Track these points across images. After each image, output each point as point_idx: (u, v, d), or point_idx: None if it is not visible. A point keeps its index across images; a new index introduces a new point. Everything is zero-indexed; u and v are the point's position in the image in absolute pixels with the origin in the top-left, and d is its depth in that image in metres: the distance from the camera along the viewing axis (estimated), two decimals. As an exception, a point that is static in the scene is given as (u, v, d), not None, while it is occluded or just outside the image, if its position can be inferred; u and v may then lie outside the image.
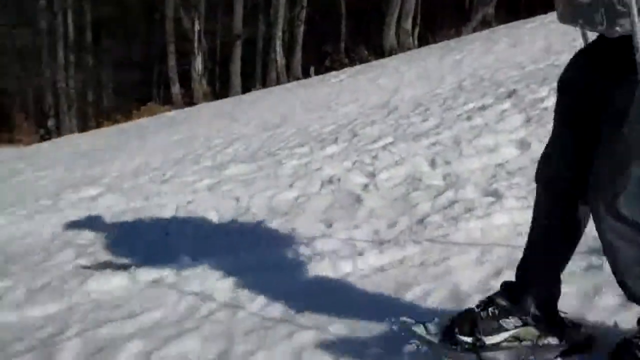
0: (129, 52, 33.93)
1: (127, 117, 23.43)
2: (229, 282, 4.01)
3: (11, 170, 11.94)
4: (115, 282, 4.39)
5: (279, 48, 25.69)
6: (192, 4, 25.67)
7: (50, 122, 27.73)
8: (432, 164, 5.90)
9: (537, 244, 2.53)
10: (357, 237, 4.44)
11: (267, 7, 28.08)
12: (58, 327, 3.84)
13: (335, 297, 3.51)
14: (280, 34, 25.85)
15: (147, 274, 4.37)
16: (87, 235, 5.93)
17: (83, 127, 26.90)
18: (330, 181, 6.01)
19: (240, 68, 27.21)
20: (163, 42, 28.96)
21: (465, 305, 2.79)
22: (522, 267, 2.58)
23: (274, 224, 5.09)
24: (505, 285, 2.60)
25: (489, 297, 2.57)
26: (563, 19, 2.31)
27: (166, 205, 6.40)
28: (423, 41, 22.42)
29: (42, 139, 24.62)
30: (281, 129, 9.69)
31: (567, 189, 2.37)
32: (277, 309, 3.49)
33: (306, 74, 23.48)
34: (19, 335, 3.86)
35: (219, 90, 28.38)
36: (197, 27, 25.41)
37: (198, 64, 25.42)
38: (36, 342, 3.69)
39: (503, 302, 2.50)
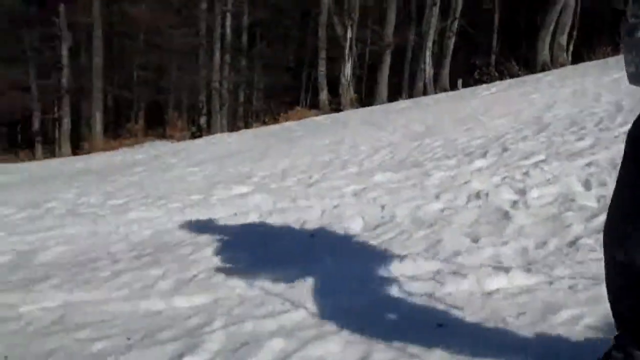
0: (281, 56, 34.72)
1: (275, 119, 23.97)
2: (371, 289, 4.03)
3: (165, 164, 12.51)
4: (257, 280, 4.50)
5: (428, 59, 25.51)
6: (347, 11, 25.93)
7: (202, 120, 28.76)
8: (586, 184, 5.69)
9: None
10: (504, 255, 4.34)
11: (420, 17, 27.99)
12: (204, 319, 3.99)
13: (479, 314, 3.45)
14: (430, 44, 25.67)
15: (292, 274, 4.45)
16: (235, 231, 6.13)
17: (232, 126, 27.81)
18: (477, 195, 5.92)
19: (387, 77, 27.25)
20: (314, 47, 29.44)
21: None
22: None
23: (419, 234, 5.06)
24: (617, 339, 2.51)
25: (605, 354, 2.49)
26: (635, 80, 2.23)
27: (312, 208, 6.51)
28: (576, 57, 21.62)
29: (193, 135, 25.57)
30: (428, 139, 9.63)
31: None
32: (418, 320, 3.48)
33: (454, 86, 23.21)
34: (167, 323, 4.04)
35: (365, 97, 28.55)
36: (349, 35, 25.63)
37: (347, 70, 25.63)
38: (183, 332, 3.85)
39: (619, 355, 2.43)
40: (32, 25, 31.41)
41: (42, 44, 31.91)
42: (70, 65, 29.77)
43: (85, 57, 31.46)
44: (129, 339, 3.87)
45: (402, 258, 4.48)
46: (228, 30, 29.08)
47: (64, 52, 29.01)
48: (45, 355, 3.78)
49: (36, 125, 32.05)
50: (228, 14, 28.88)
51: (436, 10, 25.49)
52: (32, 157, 27.22)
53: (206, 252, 5.51)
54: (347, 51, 25.78)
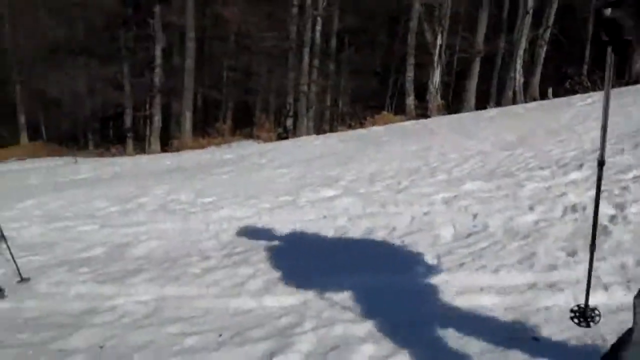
0: (369, 61, 34.71)
1: (361, 123, 23.97)
2: (464, 299, 4.00)
3: (254, 164, 12.67)
4: (346, 284, 4.52)
5: (519, 67, 25.07)
6: (437, 18, 25.75)
7: (289, 122, 29.01)
8: (690, 202, 5.49)
9: None
10: (602, 270, 4.22)
11: (511, 25, 27.53)
12: (294, 320, 4.03)
13: (576, 330, 3.36)
14: (521, 52, 25.22)
15: (382, 280, 4.46)
16: (325, 234, 6.17)
17: (318, 129, 27.94)
18: (574, 208, 5.77)
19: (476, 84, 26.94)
20: (402, 53, 29.34)
21: None
22: None
23: (513, 246, 4.98)
24: None
25: None
26: None
27: (402, 214, 6.49)
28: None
29: (279, 137, 25.83)
30: (519, 149, 9.45)
31: None
32: (512, 332, 3.44)
33: (543, 95, 22.71)
34: (257, 322, 4.11)
35: (452, 104, 28.26)
36: (439, 42, 25.44)
37: (436, 77, 25.43)
38: (274, 331, 3.90)
39: None
40: (127, 26, 32.40)
41: (137, 44, 32.88)
42: (163, 65, 30.50)
43: (178, 58, 32.16)
44: (220, 335, 3.96)
45: (496, 269, 4.42)
46: (318, 34, 29.25)
47: (157, 53, 29.75)
48: (139, 348, 3.91)
49: (128, 122, 33.02)
50: (318, 19, 29.05)
51: (529, 18, 25.04)
52: (123, 153, 28.03)
53: (296, 254, 5.56)
54: (436, 58, 25.59)
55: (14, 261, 5.92)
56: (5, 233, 8.28)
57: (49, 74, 32.12)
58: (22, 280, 5.71)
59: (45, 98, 32.96)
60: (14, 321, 4.71)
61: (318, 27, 29.35)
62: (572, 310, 2.95)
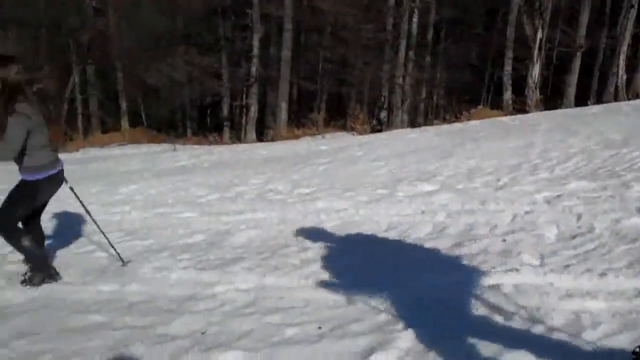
0: (465, 54, 34.22)
1: (456, 117, 23.70)
2: (569, 302, 3.93)
3: (350, 156, 12.70)
4: (448, 281, 4.50)
5: (622, 62, 24.22)
6: (538, 11, 25.11)
7: (382, 114, 28.91)
8: None
9: None
10: None
11: (614, 19, 26.62)
12: (391, 317, 4.04)
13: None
14: (625, 48, 24.34)
15: (486, 278, 4.42)
16: (425, 229, 6.14)
17: (412, 122, 27.76)
18: (685, 213, 5.58)
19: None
20: (500, 46, 28.80)
21: None
22: None
23: (620, 249, 4.85)
24: None
25: None
26: None
27: (503, 212, 6.40)
28: None
29: (373, 129, 25.75)
30: (626, 149, 9.16)
31: None
32: (617, 342, 3.36)
33: (646, 92, 21.93)
34: (357, 316, 4.14)
35: (550, 99, 27.56)
36: (539, 35, 24.79)
37: (535, 71, 24.81)
38: (374, 327, 3.93)
39: None
40: (226, 16, 32.96)
41: (235, 34, 33.41)
42: (260, 55, 30.86)
43: (274, 48, 32.46)
44: (320, 327, 4.01)
45: (602, 273, 4.32)
46: (415, 26, 29.05)
47: (255, 43, 30.08)
48: (239, 336, 4.01)
49: (225, 110, 33.62)
50: (415, 10, 28.84)
51: (633, 12, 24.13)
52: (220, 141, 28.52)
53: (396, 248, 5.57)
54: (535, 52, 24.94)
55: (112, 246, 6.16)
56: (109, 217, 8.65)
57: (149, 63, 33.03)
58: (124, 263, 5.94)
59: (146, 86, 33.90)
60: (119, 303, 4.90)
61: (415, 19, 29.13)
62: (634, 352, 2.87)
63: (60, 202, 7.45)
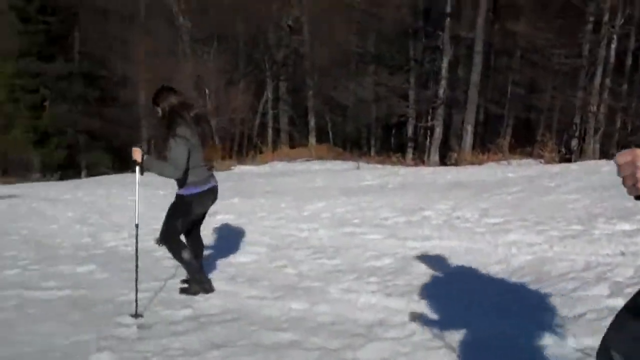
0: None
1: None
2: None
3: (540, 187, 12.26)
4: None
5: None
6: None
7: (573, 143, 27.88)
8: None
9: None
10: None
11: None
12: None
13: None
14: None
15: None
16: (627, 273, 5.80)
17: (604, 153, 26.48)
18: None
19: None
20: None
21: None
22: None
23: None
24: None
25: None
26: None
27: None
28: None
29: (562, 158, 24.80)
30: None
31: None
32: None
33: None
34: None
35: None
36: None
37: None
38: None
39: None
40: (417, 37, 33.18)
41: (424, 55, 33.55)
42: (448, 77, 30.76)
43: (463, 70, 32.25)
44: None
45: None
46: (612, 52, 27.78)
47: (444, 64, 30.08)
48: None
49: (410, 131, 33.82)
50: (614, 36, 27.58)
51: None
52: (403, 162, 28.66)
53: (594, 291, 5.32)
54: None
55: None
56: (297, 233, 8.92)
57: (339, 81, 33.91)
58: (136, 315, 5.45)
59: (334, 103, 34.81)
60: (309, 323, 5.03)
61: (613, 45, 27.85)
62: None
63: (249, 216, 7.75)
